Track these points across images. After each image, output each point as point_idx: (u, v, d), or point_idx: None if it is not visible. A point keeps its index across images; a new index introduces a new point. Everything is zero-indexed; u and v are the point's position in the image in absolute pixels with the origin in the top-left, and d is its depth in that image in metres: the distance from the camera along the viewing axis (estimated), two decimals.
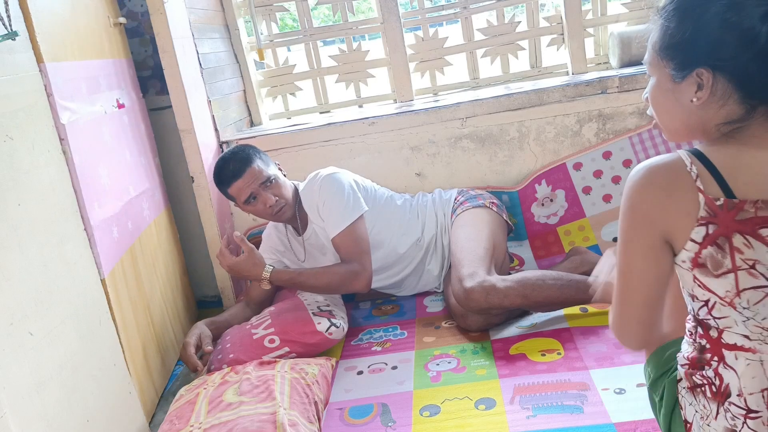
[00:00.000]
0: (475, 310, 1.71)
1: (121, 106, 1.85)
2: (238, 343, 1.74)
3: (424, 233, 2.03)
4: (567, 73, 2.47)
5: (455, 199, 2.06)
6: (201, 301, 2.37)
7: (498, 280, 1.69)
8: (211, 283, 2.31)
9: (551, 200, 2.18)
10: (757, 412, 0.90)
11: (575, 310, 1.79)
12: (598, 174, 2.16)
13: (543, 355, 1.59)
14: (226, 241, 1.88)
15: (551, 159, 2.23)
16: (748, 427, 0.91)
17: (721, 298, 0.89)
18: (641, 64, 2.73)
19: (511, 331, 1.75)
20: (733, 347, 0.91)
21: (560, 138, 2.21)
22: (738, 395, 0.91)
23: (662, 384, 1.05)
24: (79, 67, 1.59)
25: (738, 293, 0.86)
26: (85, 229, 1.44)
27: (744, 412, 0.91)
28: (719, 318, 0.91)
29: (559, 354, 1.59)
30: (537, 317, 1.79)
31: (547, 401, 1.40)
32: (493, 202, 2.04)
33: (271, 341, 1.72)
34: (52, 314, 1.25)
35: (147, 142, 2.04)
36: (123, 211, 1.69)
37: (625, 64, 2.34)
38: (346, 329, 1.84)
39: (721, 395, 0.93)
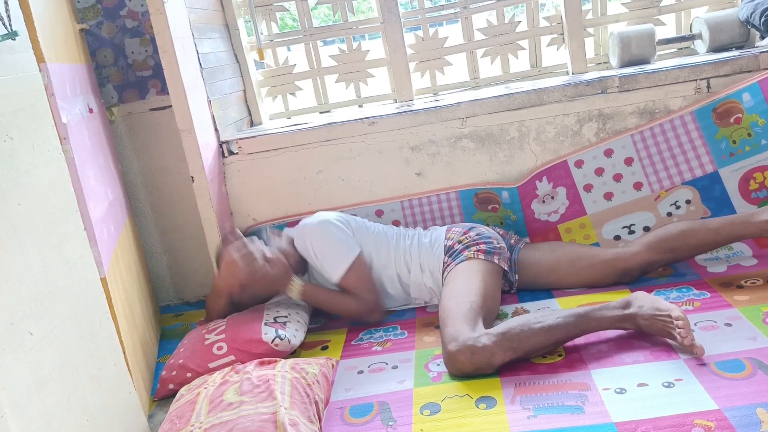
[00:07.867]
0: (466, 375, 1.55)
1: (90, 111, 1.87)
2: (190, 349, 1.75)
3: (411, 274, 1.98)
4: (567, 73, 2.47)
5: (444, 261, 1.93)
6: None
7: (481, 335, 1.53)
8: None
9: (552, 197, 2.18)
10: None
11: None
12: (599, 171, 2.16)
13: (544, 357, 1.59)
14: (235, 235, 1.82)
15: (551, 159, 2.22)
16: None
17: None
18: (641, 63, 2.71)
19: None
20: None
21: (560, 138, 2.21)
22: None
23: None
24: (65, 69, 1.62)
25: None
26: (85, 229, 1.44)
27: None
28: None
29: (560, 356, 1.59)
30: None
31: (547, 401, 1.40)
32: (479, 250, 1.88)
33: (219, 348, 1.72)
34: (52, 314, 1.25)
35: (111, 151, 2.08)
36: (108, 213, 1.70)
37: (625, 64, 2.34)
38: (294, 344, 1.78)
39: None
